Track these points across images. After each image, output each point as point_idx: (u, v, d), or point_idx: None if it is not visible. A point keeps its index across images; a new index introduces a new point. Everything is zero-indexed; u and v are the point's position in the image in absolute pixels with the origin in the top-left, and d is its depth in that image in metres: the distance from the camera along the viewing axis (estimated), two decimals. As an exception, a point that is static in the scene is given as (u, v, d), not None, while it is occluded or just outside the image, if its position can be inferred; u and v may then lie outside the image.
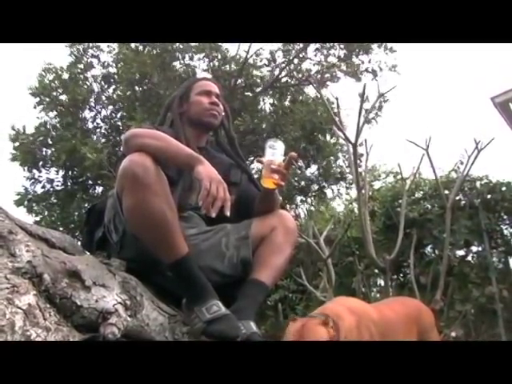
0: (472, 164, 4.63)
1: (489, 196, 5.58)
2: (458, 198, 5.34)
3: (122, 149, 1.84)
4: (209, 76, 2.20)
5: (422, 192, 6.16)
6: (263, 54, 8.67)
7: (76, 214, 8.40)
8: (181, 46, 8.19)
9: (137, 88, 8.10)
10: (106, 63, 8.57)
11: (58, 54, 11.46)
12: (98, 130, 8.63)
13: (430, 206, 5.85)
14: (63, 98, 8.23)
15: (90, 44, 8.48)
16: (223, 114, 2.22)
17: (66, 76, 8.29)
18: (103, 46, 8.57)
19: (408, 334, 2.08)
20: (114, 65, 8.47)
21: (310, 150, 8.18)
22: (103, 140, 8.00)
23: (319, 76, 8.70)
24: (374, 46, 8.51)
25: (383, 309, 2.13)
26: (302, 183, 8.63)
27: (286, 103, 8.74)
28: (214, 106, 2.15)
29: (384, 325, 1.96)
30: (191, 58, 8.42)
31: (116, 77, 8.34)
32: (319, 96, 7.72)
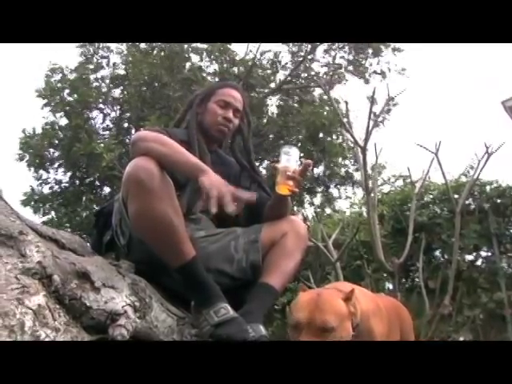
0: (482, 168, 4.62)
1: (498, 200, 5.56)
2: (467, 202, 5.32)
3: (129, 151, 1.84)
4: (237, 85, 2.14)
5: (431, 196, 6.15)
6: (271, 56, 8.67)
7: (83, 214, 8.42)
8: (190, 48, 8.21)
9: (146, 89, 8.11)
10: (115, 64, 8.60)
11: (66, 55, 11.48)
12: (108, 131, 8.66)
13: (439, 210, 5.84)
14: (70, 98, 8.23)
15: (101, 45, 8.49)
16: (245, 123, 2.19)
17: (72, 76, 8.30)
18: (113, 46, 8.59)
19: (396, 328, 2.04)
20: (123, 66, 8.48)
21: (315, 152, 8.17)
22: (113, 141, 8.01)
23: (327, 78, 8.67)
24: (382, 46, 8.47)
25: (382, 298, 2.09)
26: (308, 185, 8.61)
27: (294, 105, 8.73)
28: (225, 122, 2.09)
29: (387, 316, 1.92)
30: (201, 60, 8.43)
31: (125, 78, 8.35)
32: (326, 98, 7.71)
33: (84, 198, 8.60)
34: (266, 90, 8.51)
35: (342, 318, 1.59)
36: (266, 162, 8.23)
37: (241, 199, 1.64)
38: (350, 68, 8.77)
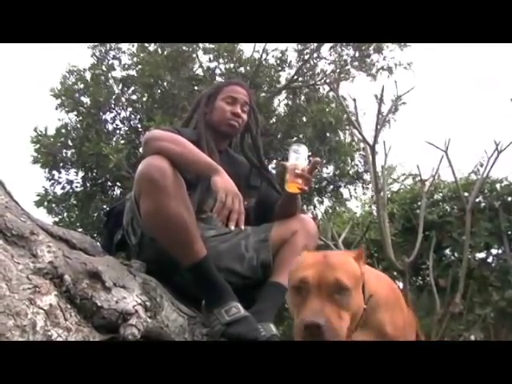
0: (492, 166, 4.59)
1: (509, 198, 5.52)
2: (477, 200, 5.29)
3: (141, 150, 1.85)
4: (243, 82, 2.13)
5: (441, 194, 6.12)
6: (278, 55, 8.64)
7: (95, 215, 8.44)
8: (197, 48, 8.20)
9: (154, 90, 8.12)
10: (126, 65, 8.61)
11: (80, 56, 11.51)
12: (118, 131, 8.67)
13: (449, 208, 5.82)
14: (84, 99, 8.27)
15: (112, 45, 8.52)
16: (253, 120, 2.18)
17: (88, 77, 8.34)
18: (124, 48, 8.61)
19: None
20: (134, 67, 8.50)
21: (323, 151, 8.13)
22: (122, 141, 8.02)
23: (334, 75, 8.62)
24: (386, 44, 8.38)
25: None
26: (318, 184, 8.57)
27: (301, 103, 8.69)
28: (234, 117, 2.08)
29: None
30: (210, 60, 8.43)
31: (135, 79, 8.36)
32: (334, 96, 7.68)
33: (96, 198, 8.61)
34: (273, 89, 8.48)
35: (357, 279, 1.34)
36: (274, 162, 8.20)
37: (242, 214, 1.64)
38: (356, 64, 8.70)
